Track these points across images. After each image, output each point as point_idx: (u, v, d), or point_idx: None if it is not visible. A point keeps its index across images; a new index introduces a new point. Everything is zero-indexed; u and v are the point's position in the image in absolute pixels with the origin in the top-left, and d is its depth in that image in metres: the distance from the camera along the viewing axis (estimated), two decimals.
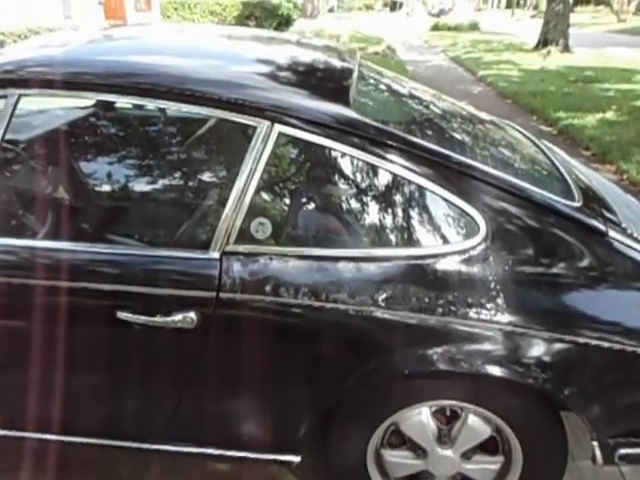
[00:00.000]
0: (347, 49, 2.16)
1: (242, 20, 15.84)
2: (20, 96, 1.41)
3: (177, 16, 16.17)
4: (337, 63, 1.88)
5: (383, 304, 1.35)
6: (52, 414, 1.55)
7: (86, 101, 2.12)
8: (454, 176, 1.41)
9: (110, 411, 1.59)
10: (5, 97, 1.41)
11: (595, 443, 1.41)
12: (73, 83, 1.43)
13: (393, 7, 53.86)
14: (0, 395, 1.56)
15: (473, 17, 27.41)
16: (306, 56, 1.95)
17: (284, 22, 16.45)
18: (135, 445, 1.59)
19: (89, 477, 1.78)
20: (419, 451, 1.53)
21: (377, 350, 1.39)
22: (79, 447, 1.62)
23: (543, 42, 13.83)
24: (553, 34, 13.64)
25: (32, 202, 1.81)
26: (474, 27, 24.29)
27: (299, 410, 1.50)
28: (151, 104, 1.52)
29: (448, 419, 1.51)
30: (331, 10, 44.02)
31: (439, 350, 1.35)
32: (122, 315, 1.37)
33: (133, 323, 1.38)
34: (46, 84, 1.43)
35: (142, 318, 1.37)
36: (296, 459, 1.54)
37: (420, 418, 1.47)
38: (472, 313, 1.33)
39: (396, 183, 1.43)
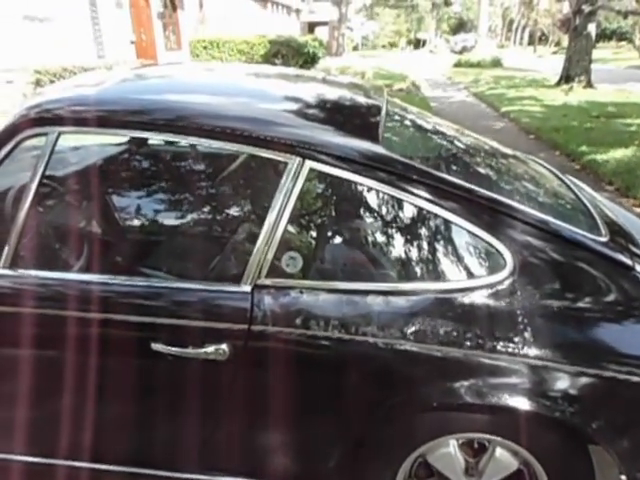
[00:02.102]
0: (374, 86, 2.23)
1: (269, 58, 16.25)
2: (60, 134, 1.49)
3: (206, 54, 16.65)
4: (365, 100, 1.95)
5: (411, 337, 1.37)
6: (88, 442, 1.60)
7: (121, 138, 2.21)
8: (481, 211, 1.44)
9: (143, 440, 1.63)
10: (46, 134, 1.48)
11: (623, 477, 1.40)
12: (109, 121, 1.51)
13: (417, 45, 54.83)
14: (38, 423, 1.61)
15: (495, 54, 27.66)
16: (335, 93, 2.02)
17: (310, 60, 16.82)
18: (167, 474, 1.62)
19: None
20: None
21: (405, 383, 1.42)
22: (112, 475, 1.65)
23: (565, 78, 13.89)
24: (575, 70, 13.71)
25: (69, 236, 1.89)
26: (497, 63, 24.51)
27: (328, 442, 1.52)
28: (184, 141, 1.57)
29: (476, 452, 1.51)
30: (355, 48, 44.97)
31: (466, 383, 1.37)
32: (156, 346, 1.42)
33: (166, 354, 1.42)
34: (84, 122, 1.51)
35: (175, 349, 1.42)
36: None
37: (448, 450, 1.48)
38: (499, 347, 1.35)
39: (424, 218, 1.47)
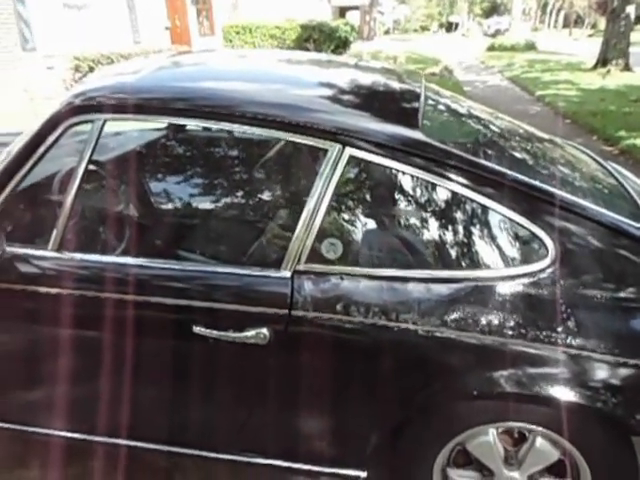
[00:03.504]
0: (411, 71, 2.20)
1: (301, 43, 16.18)
2: (105, 121, 1.51)
3: (238, 40, 16.66)
4: (404, 86, 1.93)
5: (452, 325, 1.37)
6: (131, 420, 1.65)
7: (161, 125, 2.24)
8: (523, 198, 1.42)
9: (183, 419, 1.66)
10: (92, 122, 1.51)
11: None
12: (153, 108, 1.53)
13: (449, 28, 53.71)
14: (82, 402, 1.67)
15: (529, 37, 26.92)
16: (372, 79, 2.00)
17: (341, 44, 16.67)
18: (204, 454, 1.66)
19: None
20: (485, 471, 1.53)
21: (445, 370, 1.41)
22: (153, 453, 1.71)
23: (602, 61, 13.46)
24: (613, 53, 13.28)
25: (114, 221, 1.93)
26: (531, 47, 23.87)
27: (366, 426, 1.53)
28: (224, 128, 1.57)
29: (516, 441, 1.50)
30: (387, 32, 44.30)
31: (507, 372, 1.36)
32: (197, 329, 1.45)
33: (208, 337, 1.45)
34: (129, 109, 1.53)
35: (216, 333, 1.44)
36: (362, 475, 1.58)
37: (487, 439, 1.47)
38: (542, 336, 1.34)
39: (464, 205, 1.46)
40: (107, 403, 1.62)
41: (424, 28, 56.98)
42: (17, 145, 1.58)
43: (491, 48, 24.20)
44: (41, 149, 1.53)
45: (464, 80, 13.03)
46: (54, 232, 1.53)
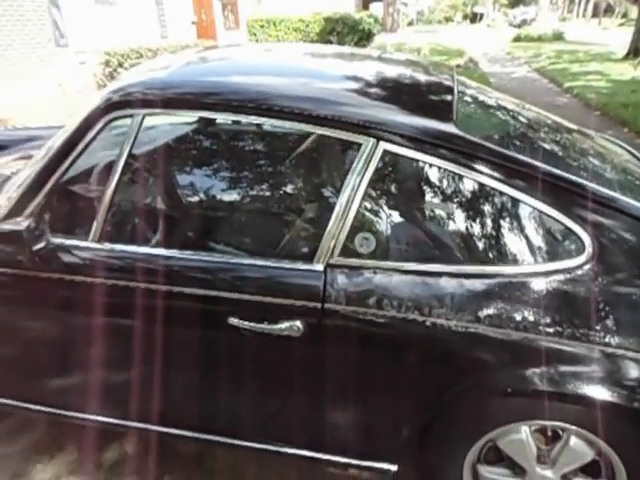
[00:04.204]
0: (441, 64, 2.18)
1: (324, 36, 16.12)
2: (145, 115, 1.55)
3: (263, 33, 16.70)
4: (436, 79, 1.91)
5: (486, 321, 1.36)
6: (163, 408, 1.69)
7: (195, 119, 2.26)
8: (558, 192, 1.40)
9: (215, 408, 1.69)
10: (132, 116, 1.54)
11: None
12: (190, 102, 1.55)
13: (473, 19, 52.83)
14: (119, 388, 1.71)
15: (557, 27, 26.33)
16: (402, 72, 1.99)
17: (365, 37, 16.57)
18: (235, 442, 1.69)
19: (193, 471, 1.92)
20: (517, 469, 1.53)
21: (478, 366, 1.41)
22: (182, 440, 1.76)
23: (634, 51, 13.13)
24: None
25: (153, 213, 1.97)
26: (558, 37, 23.38)
27: (397, 420, 1.53)
28: (259, 122, 1.59)
29: (549, 439, 1.49)
30: (410, 23, 43.77)
31: (541, 370, 1.35)
32: (232, 321, 1.47)
33: (242, 328, 1.47)
34: (167, 104, 1.55)
35: (251, 324, 1.47)
36: (393, 468, 1.59)
37: (520, 436, 1.46)
38: (578, 334, 1.32)
39: (499, 199, 1.45)
40: (143, 390, 1.66)
41: (448, 19, 56.22)
42: (58, 139, 1.62)
43: (517, 39, 23.78)
44: (82, 143, 1.57)
45: (489, 72, 12.84)
46: (95, 223, 1.57)
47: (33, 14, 9.16)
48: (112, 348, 1.65)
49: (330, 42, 15.54)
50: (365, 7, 26.13)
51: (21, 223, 1.49)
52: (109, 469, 1.91)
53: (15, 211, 1.60)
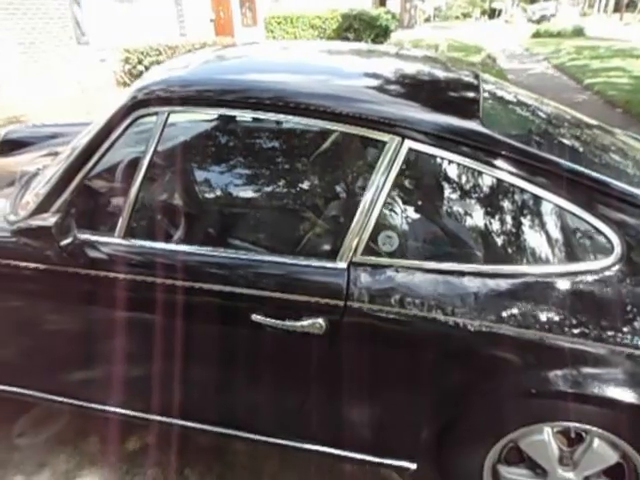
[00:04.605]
0: (463, 61, 2.16)
1: (341, 32, 16.08)
2: (169, 113, 1.56)
3: (280, 30, 16.72)
4: (460, 76, 1.90)
5: (510, 321, 1.35)
6: (185, 401, 1.72)
7: (219, 117, 2.27)
8: (588, 193, 1.39)
9: (236, 402, 1.71)
10: (157, 114, 1.56)
11: None
12: (214, 100, 1.56)
13: (491, 15, 52.27)
14: (143, 382, 1.73)
15: (577, 22, 25.92)
16: (426, 70, 1.97)
17: (382, 33, 16.49)
18: (257, 437, 1.70)
19: (213, 464, 1.94)
20: (538, 470, 1.52)
21: (501, 367, 1.40)
22: (204, 434, 1.77)
23: None
24: None
25: (181, 210, 1.98)
26: (579, 33, 23.00)
27: (418, 419, 1.54)
28: (282, 119, 1.59)
29: (572, 441, 1.48)
30: (428, 20, 43.43)
31: (566, 371, 1.34)
32: (255, 317, 1.48)
33: (265, 325, 1.48)
34: (191, 102, 1.57)
35: (274, 321, 1.47)
36: (412, 466, 1.59)
37: (542, 437, 1.46)
38: (605, 336, 1.31)
39: (526, 199, 1.43)
40: (166, 384, 1.68)
41: (466, 15, 55.63)
42: (85, 137, 1.65)
43: (536, 35, 23.45)
44: (109, 141, 1.59)
45: (508, 68, 12.70)
46: (120, 220, 1.60)
47: (55, 12, 9.28)
48: (136, 343, 1.68)
49: (347, 39, 15.49)
50: (382, 3, 25.97)
51: (49, 219, 1.52)
52: (131, 460, 1.94)
53: (42, 207, 1.63)
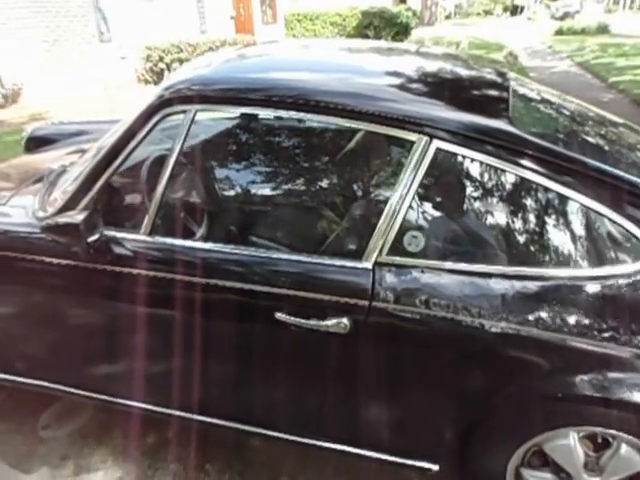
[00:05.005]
0: (493, 60, 2.13)
1: (361, 30, 16.02)
2: (197, 111, 1.57)
3: (300, 27, 16.73)
4: (488, 75, 1.87)
5: (537, 324, 1.34)
6: (207, 398, 1.73)
7: (244, 115, 2.28)
8: (620, 194, 1.36)
9: (257, 400, 1.71)
10: (184, 112, 1.57)
11: None
12: (240, 99, 1.56)
13: (513, 12, 51.57)
14: (165, 378, 1.75)
15: (602, 19, 25.44)
16: (452, 68, 1.95)
17: (402, 31, 16.39)
18: (277, 434, 1.71)
19: (233, 460, 1.95)
20: (563, 475, 1.50)
21: (527, 370, 1.38)
22: (224, 430, 1.77)
23: None
24: None
25: (205, 208, 1.99)
26: (603, 30, 22.57)
27: (441, 420, 1.53)
28: (308, 118, 1.58)
29: (598, 446, 1.46)
30: (448, 17, 43.04)
31: (593, 375, 1.32)
32: (279, 316, 1.48)
33: (289, 324, 1.48)
34: (218, 100, 1.58)
35: (298, 320, 1.47)
36: (435, 467, 1.58)
37: (567, 442, 1.44)
38: (634, 340, 1.29)
39: (555, 201, 1.41)
40: (188, 380, 1.69)
41: (487, 12, 54.93)
42: (113, 136, 1.66)
43: (559, 32, 23.06)
44: (136, 139, 1.61)
45: (530, 66, 12.52)
46: (146, 217, 1.61)
47: (79, 10, 9.41)
48: (160, 339, 1.69)
49: (367, 36, 15.44)
50: (402, 0, 25.82)
51: (77, 216, 1.54)
52: (153, 455, 1.96)
53: (70, 204, 1.65)
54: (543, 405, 1.42)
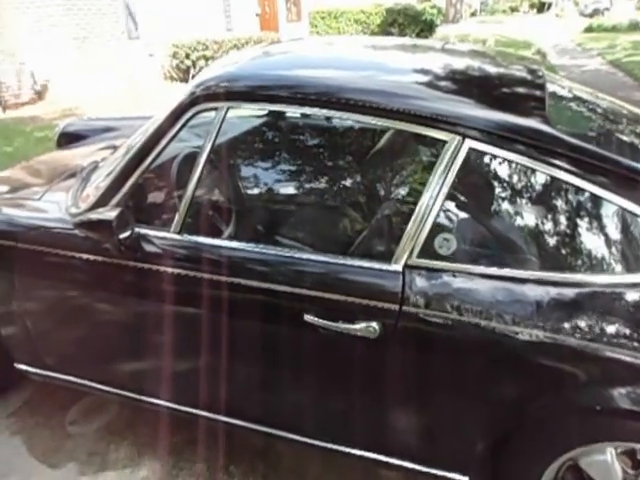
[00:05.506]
0: (526, 57, 2.07)
1: (385, 27, 15.93)
2: (229, 108, 1.56)
3: (324, 25, 16.71)
4: (523, 73, 1.82)
5: (574, 333, 1.29)
6: (232, 398, 1.72)
7: (273, 114, 2.26)
8: None
9: (283, 402, 1.70)
10: (216, 109, 1.56)
11: None
12: (272, 96, 1.54)
13: (540, 8, 50.66)
14: (191, 377, 1.74)
15: (634, 16, 24.83)
16: (485, 66, 1.89)
17: (427, 28, 16.24)
18: (303, 439, 1.68)
19: (258, 463, 1.94)
20: None
21: (563, 381, 1.34)
22: (249, 432, 1.76)
23: None
24: None
25: (235, 207, 1.98)
26: (635, 27, 21.99)
27: (472, 431, 1.48)
28: (339, 117, 1.55)
29: (637, 463, 1.40)
30: (474, 14, 42.47)
31: (633, 388, 1.27)
32: (308, 318, 1.46)
33: (318, 326, 1.46)
34: (250, 97, 1.56)
35: (327, 323, 1.45)
36: (464, 479, 1.54)
37: (604, 458, 1.38)
38: None
39: (594, 204, 1.36)
40: (216, 381, 1.68)
41: (513, 9, 54.05)
42: (144, 133, 1.66)
43: (589, 29, 22.61)
44: (168, 137, 1.60)
45: (559, 64, 12.29)
46: (177, 215, 1.60)
47: (109, 7, 9.52)
48: (187, 338, 1.68)
49: (391, 34, 15.33)
50: None
51: (110, 213, 1.54)
52: (178, 454, 1.96)
53: (102, 201, 1.66)
54: (579, 418, 1.37)
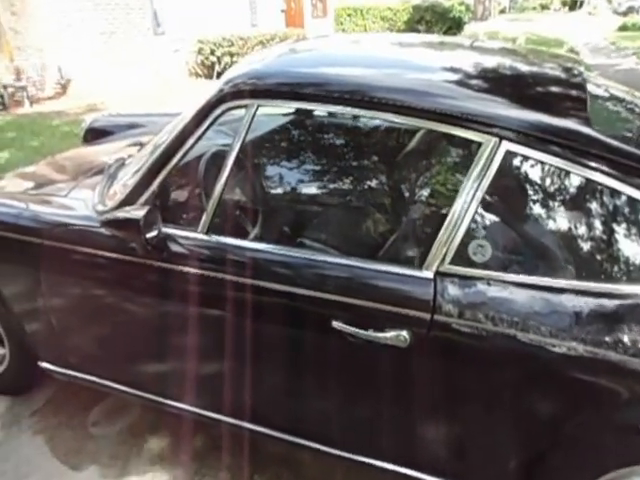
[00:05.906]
0: (565, 56, 1.98)
1: (412, 24, 15.80)
2: (259, 106, 1.51)
3: (350, 22, 16.64)
4: (562, 74, 1.73)
5: (617, 348, 1.21)
6: (256, 405, 1.67)
7: (301, 114, 2.21)
8: None
9: (308, 411, 1.65)
10: (246, 107, 1.52)
11: None
12: (302, 95, 1.49)
13: (573, 6, 49.66)
14: (216, 382, 1.69)
15: None
16: (521, 64, 1.81)
17: (455, 25, 16.04)
18: (329, 450, 1.63)
19: (282, 472, 1.89)
20: None
21: (603, 397, 1.26)
22: (271, 440, 1.72)
23: None
24: None
25: (264, 208, 1.93)
26: None
27: (504, 447, 1.42)
28: (370, 116, 1.51)
29: None
30: (503, 11, 41.86)
31: None
32: (336, 324, 1.41)
33: (345, 333, 1.40)
34: (281, 95, 1.52)
35: (356, 330, 1.39)
36: None
37: None
38: None
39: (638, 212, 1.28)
40: (240, 386, 1.63)
41: (544, 7, 53.13)
42: (172, 130, 1.63)
43: (623, 28, 22.10)
44: (196, 134, 1.56)
45: (592, 63, 12.00)
46: (204, 215, 1.56)
47: (136, 3, 9.60)
48: (212, 341, 1.64)
49: (418, 31, 15.17)
50: None
51: (137, 212, 1.51)
52: (201, 460, 1.92)
53: (130, 199, 1.63)
54: (619, 437, 1.29)
